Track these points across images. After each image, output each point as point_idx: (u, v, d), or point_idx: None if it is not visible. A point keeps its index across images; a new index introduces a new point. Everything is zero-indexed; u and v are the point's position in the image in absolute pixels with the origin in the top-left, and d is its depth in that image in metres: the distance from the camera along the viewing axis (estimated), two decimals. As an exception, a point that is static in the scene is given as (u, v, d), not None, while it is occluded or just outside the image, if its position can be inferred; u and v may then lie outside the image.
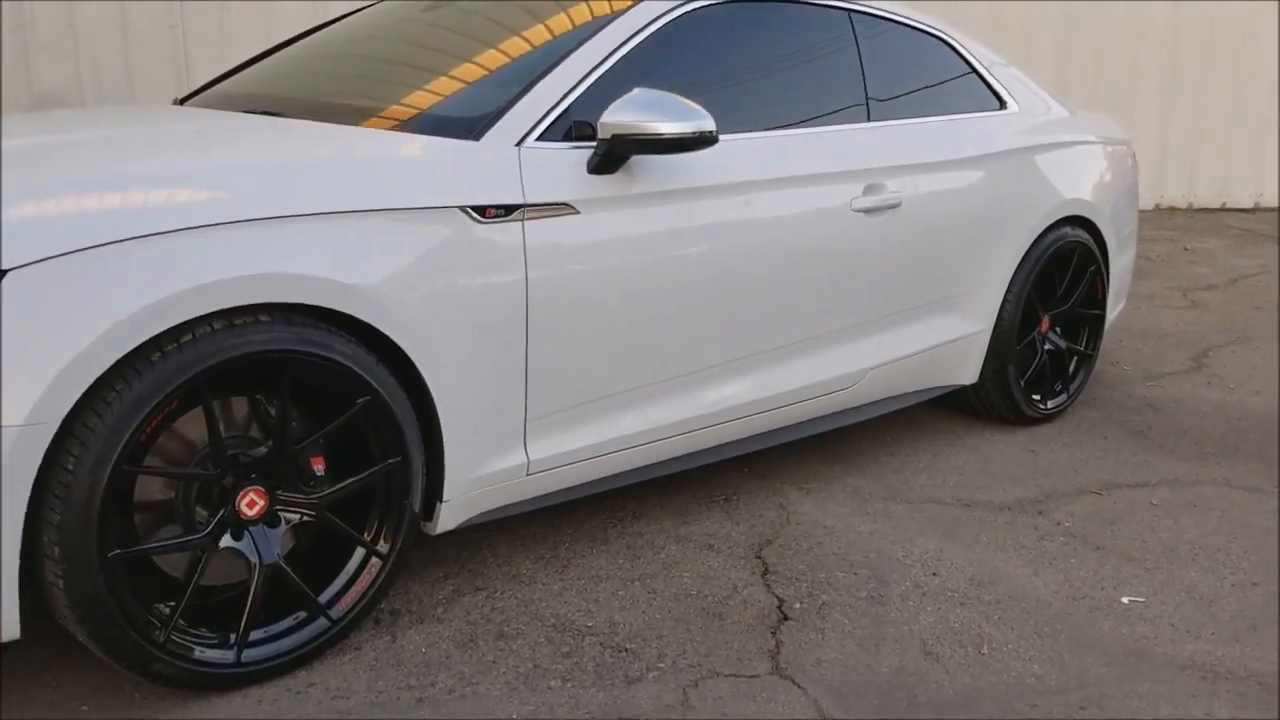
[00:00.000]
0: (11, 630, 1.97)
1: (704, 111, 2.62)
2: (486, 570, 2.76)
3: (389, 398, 2.28)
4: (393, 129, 2.65)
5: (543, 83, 2.69)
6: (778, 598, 2.69)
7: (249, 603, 2.21)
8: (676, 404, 2.90)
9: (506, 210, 2.46)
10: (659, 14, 2.95)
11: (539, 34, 2.97)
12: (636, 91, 2.61)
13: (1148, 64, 9.16)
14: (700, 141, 2.62)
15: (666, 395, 2.87)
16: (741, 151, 2.98)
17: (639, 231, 2.70)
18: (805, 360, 3.21)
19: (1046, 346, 4.06)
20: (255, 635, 2.25)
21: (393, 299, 2.25)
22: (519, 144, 2.55)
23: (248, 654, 2.23)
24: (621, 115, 2.57)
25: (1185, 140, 9.39)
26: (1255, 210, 9.59)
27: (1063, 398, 4.11)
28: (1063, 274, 4.02)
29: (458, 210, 2.38)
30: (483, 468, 2.53)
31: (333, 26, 3.63)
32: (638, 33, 2.89)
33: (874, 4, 3.58)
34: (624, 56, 2.84)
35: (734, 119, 3.02)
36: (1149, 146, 9.29)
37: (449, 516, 2.51)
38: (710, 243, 2.85)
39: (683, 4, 3.01)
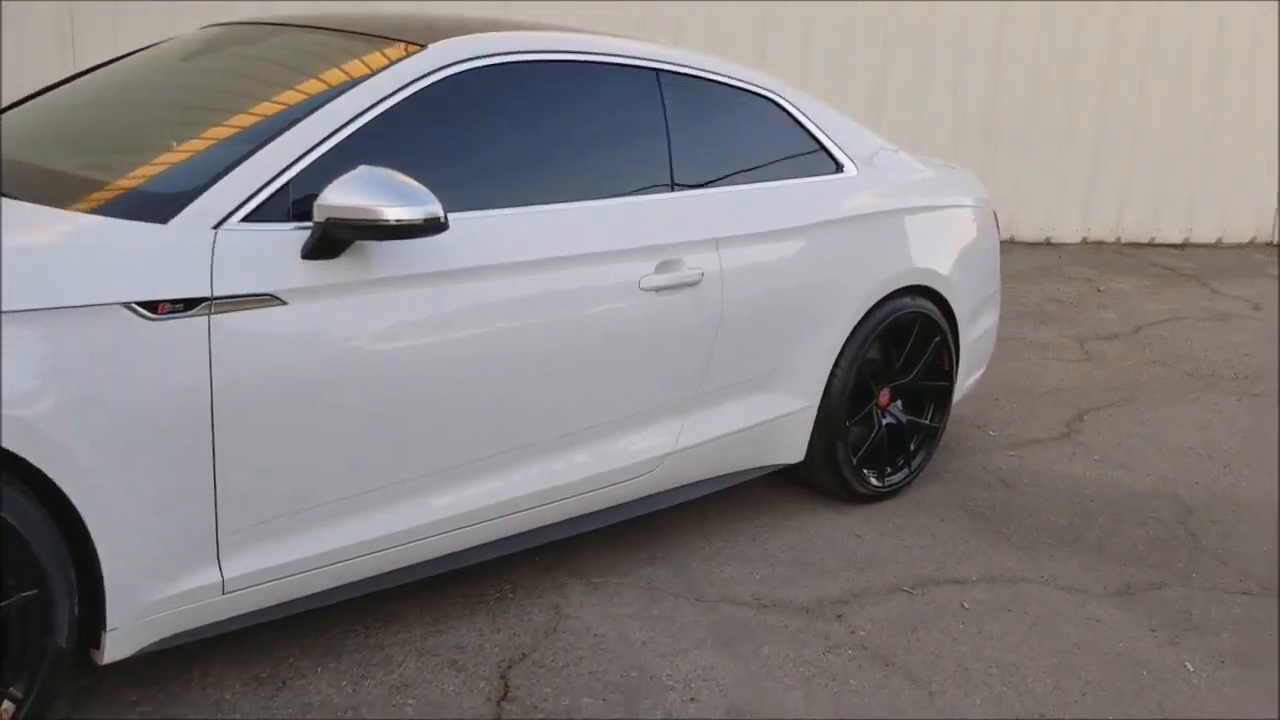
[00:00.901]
0: None
1: (430, 195, 2.37)
2: (187, 694, 2.50)
3: (18, 523, 2.02)
4: (93, 209, 2.37)
5: (259, 155, 2.42)
6: (506, 732, 2.45)
7: None
8: (417, 506, 2.65)
9: (187, 305, 2.20)
10: (416, 76, 2.70)
11: (289, 95, 2.71)
12: (360, 169, 2.36)
13: (1082, 89, 8.96)
14: (429, 228, 2.37)
15: (404, 497, 2.62)
16: (507, 229, 2.73)
17: (364, 324, 2.45)
18: (585, 450, 2.97)
19: (886, 420, 3.83)
20: None
21: (22, 409, 1.99)
22: (217, 226, 2.29)
23: None
24: (338, 196, 2.32)
25: (1114, 171, 9.21)
26: (1184, 246, 9.41)
27: (903, 474, 3.88)
28: (901, 346, 3.79)
29: (120, 307, 2.12)
30: (163, 590, 2.27)
31: (99, 71, 3.35)
32: (387, 97, 2.63)
33: (689, 61, 3.34)
34: (368, 124, 2.58)
35: (503, 193, 2.78)
36: (1078, 176, 9.11)
37: (119, 645, 2.25)
38: (457, 331, 2.60)
39: (449, 65, 2.76)
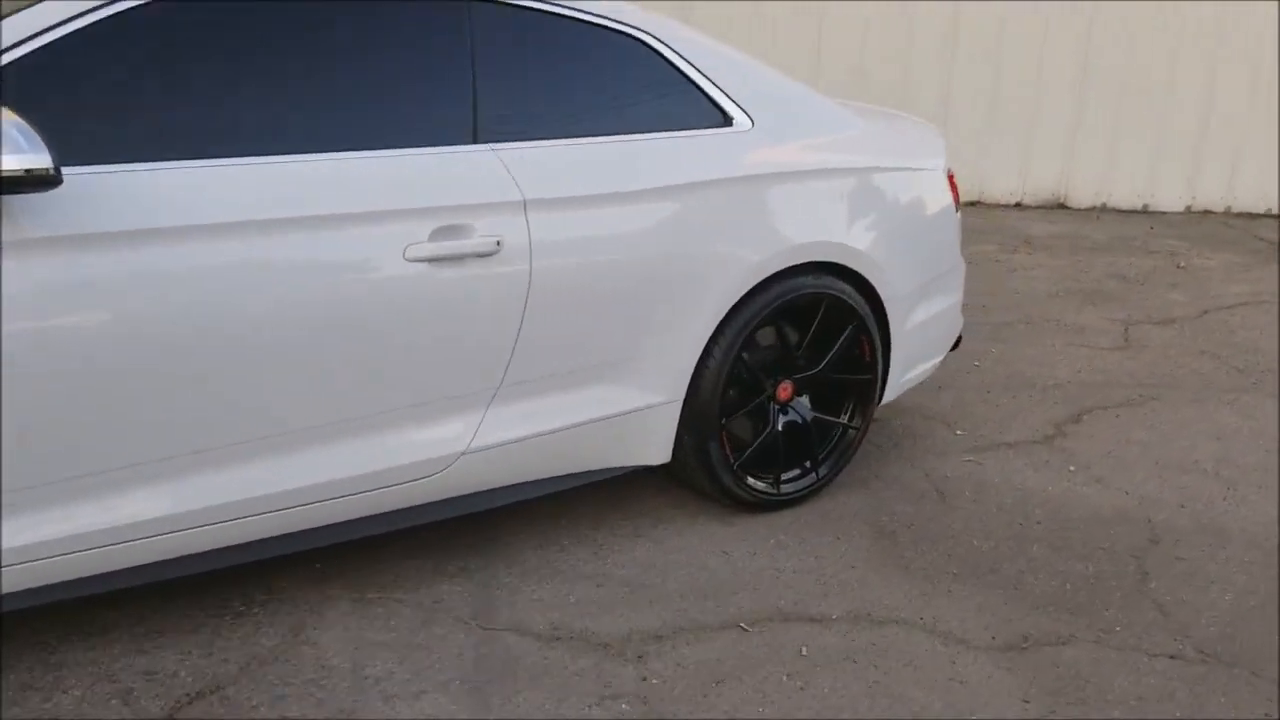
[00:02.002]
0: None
1: (39, 143, 1.98)
2: None
3: None
4: None
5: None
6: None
7: None
8: (117, 501, 2.29)
9: None
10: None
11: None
12: None
13: (1189, 51, 7.94)
14: (34, 181, 1.98)
15: (101, 488, 2.26)
16: (212, 184, 2.31)
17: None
18: (347, 446, 2.55)
19: (786, 418, 3.29)
20: None
21: None
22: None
23: None
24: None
25: (1227, 130, 8.16)
26: (1307, 217, 8.32)
27: (807, 480, 3.33)
28: (804, 332, 3.23)
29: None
30: None
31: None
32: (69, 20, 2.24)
33: None
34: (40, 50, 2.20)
35: (222, 142, 2.36)
36: (1181, 139, 8.11)
37: None
38: (129, 303, 2.21)
39: None
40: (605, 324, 2.85)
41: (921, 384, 4.01)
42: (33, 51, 2.19)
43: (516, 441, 2.80)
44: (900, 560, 3.07)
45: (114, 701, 2.28)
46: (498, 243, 2.62)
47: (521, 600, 2.77)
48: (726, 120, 3.12)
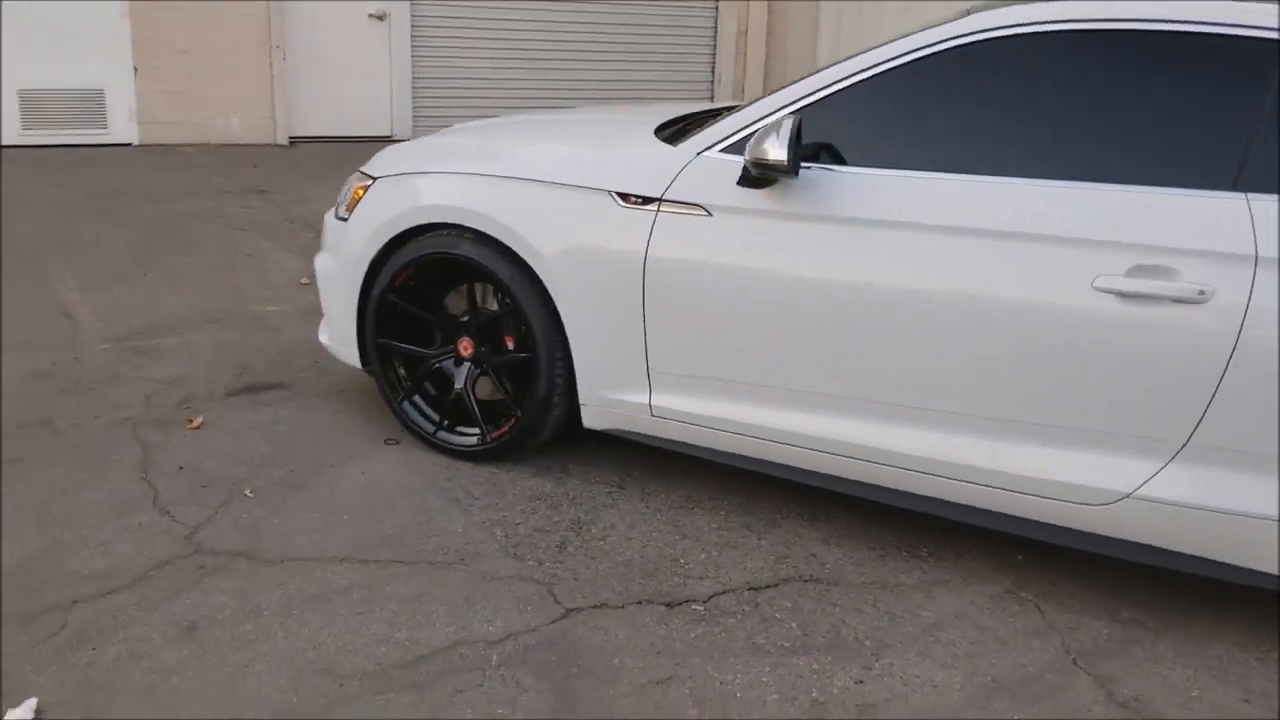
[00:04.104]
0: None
1: (783, 147, 2.74)
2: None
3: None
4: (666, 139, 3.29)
5: (747, 108, 3.08)
6: None
7: None
8: (799, 419, 3.01)
9: (645, 199, 3.10)
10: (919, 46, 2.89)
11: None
12: (779, 123, 2.85)
13: None
14: (778, 169, 2.77)
15: (793, 408, 3.00)
16: (934, 191, 2.77)
17: (760, 240, 2.94)
18: (1007, 443, 2.79)
19: None
20: None
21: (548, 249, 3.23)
22: (701, 152, 3.09)
23: None
24: (750, 143, 2.89)
25: None
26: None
27: None
28: None
29: (607, 193, 3.15)
30: (613, 394, 3.26)
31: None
32: (888, 62, 2.92)
33: None
34: (848, 88, 2.95)
35: (958, 160, 2.79)
36: None
37: (590, 418, 3.35)
38: (831, 272, 2.85)
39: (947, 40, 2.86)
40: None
41: None
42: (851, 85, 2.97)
43: (1185, 506, 2.62)
44: None
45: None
46: (1200, 292, 2.51)
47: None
48: None
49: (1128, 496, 2.69)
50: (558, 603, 2.79)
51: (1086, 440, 2.71)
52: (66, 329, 4.66)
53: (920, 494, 2.95)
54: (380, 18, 9.90)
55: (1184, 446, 2.62)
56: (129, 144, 9.17)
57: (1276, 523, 2.56)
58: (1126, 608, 2.91)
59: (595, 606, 2.78)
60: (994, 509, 2.87)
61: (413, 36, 10.05)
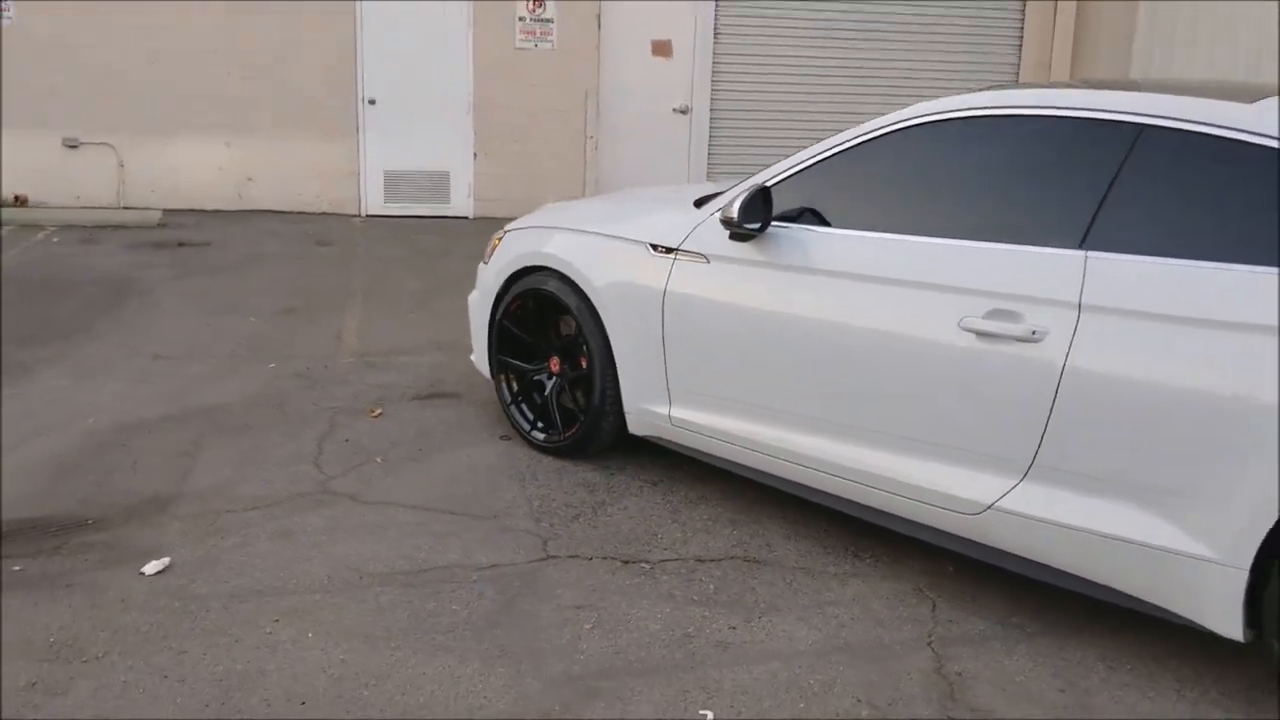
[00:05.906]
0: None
1: (743, 211, 3.47)
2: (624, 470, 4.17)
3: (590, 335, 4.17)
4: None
5: (754, 177, 3.82)
6: None
7: None
8: (782, 436, 3.65)
9: (667, 250, 3.90)
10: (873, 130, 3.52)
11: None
12: (742, 189, 3.60)
13: None
14: (740, 229, 3.52)
15: (783, 426, 3.64)
16: (854, 246, 3.40)
17: (742, 285, 3.65)
18: (896, 455, 3.31)
19: None
20: None
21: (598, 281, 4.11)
22: (712, 214, 3.86)
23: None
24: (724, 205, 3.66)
25: None
26: None
27: None
28: None
29: (644, 244, 3.99)
30: (645, 405, 4.05)
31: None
32: (853, 139, 3.57)
33: (1188, 115, 2.83)
34: (824, 161, 3.62)
35: (891, 221, 3.39)
36: None
37: (633, 425, 4.14)
38: (789, 309, 3.52)
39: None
40: (1147, 439, 2.80)
41: None
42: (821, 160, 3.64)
43: (1041, 520, 3.02)
44: None
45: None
46: (1033, 332, 2.96)
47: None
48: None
49: (989, 508, 3.14)
50: (545, 551, 3.63)
51: (962, 456, 3.20)
52: (331, 346, 6.07)
53: (836, 494, 3.52)
54: (683, 111, 11.15)
55: (1031, 466, 3.05)
56: (465, 217, 10.94)
57: (1118, 541, 2.92)
58: (1019, 615, 3.30)
59: (570, 556, 3.59)
60: (903, 515, 3.39)
61: (711, 125, 11.22)
